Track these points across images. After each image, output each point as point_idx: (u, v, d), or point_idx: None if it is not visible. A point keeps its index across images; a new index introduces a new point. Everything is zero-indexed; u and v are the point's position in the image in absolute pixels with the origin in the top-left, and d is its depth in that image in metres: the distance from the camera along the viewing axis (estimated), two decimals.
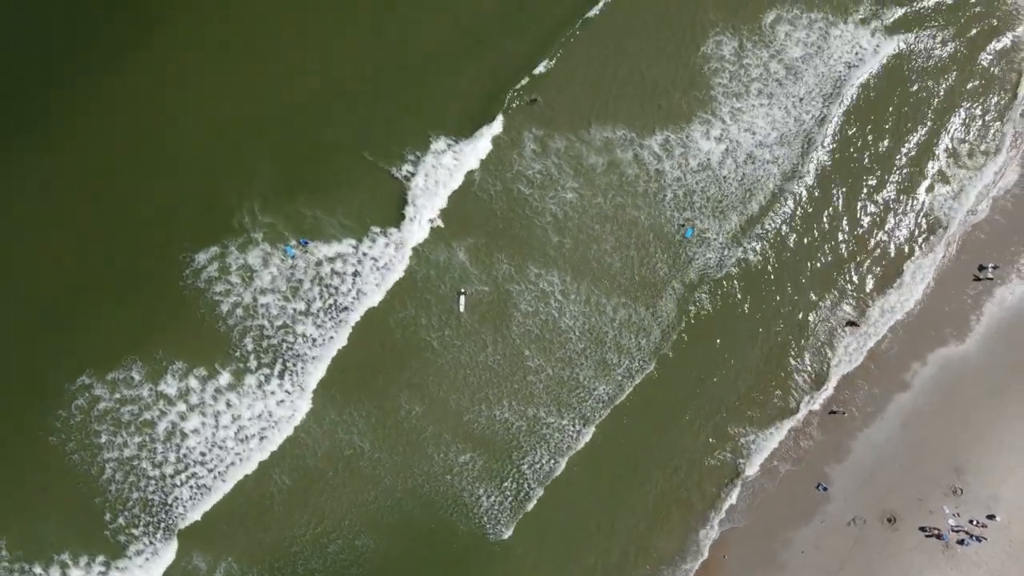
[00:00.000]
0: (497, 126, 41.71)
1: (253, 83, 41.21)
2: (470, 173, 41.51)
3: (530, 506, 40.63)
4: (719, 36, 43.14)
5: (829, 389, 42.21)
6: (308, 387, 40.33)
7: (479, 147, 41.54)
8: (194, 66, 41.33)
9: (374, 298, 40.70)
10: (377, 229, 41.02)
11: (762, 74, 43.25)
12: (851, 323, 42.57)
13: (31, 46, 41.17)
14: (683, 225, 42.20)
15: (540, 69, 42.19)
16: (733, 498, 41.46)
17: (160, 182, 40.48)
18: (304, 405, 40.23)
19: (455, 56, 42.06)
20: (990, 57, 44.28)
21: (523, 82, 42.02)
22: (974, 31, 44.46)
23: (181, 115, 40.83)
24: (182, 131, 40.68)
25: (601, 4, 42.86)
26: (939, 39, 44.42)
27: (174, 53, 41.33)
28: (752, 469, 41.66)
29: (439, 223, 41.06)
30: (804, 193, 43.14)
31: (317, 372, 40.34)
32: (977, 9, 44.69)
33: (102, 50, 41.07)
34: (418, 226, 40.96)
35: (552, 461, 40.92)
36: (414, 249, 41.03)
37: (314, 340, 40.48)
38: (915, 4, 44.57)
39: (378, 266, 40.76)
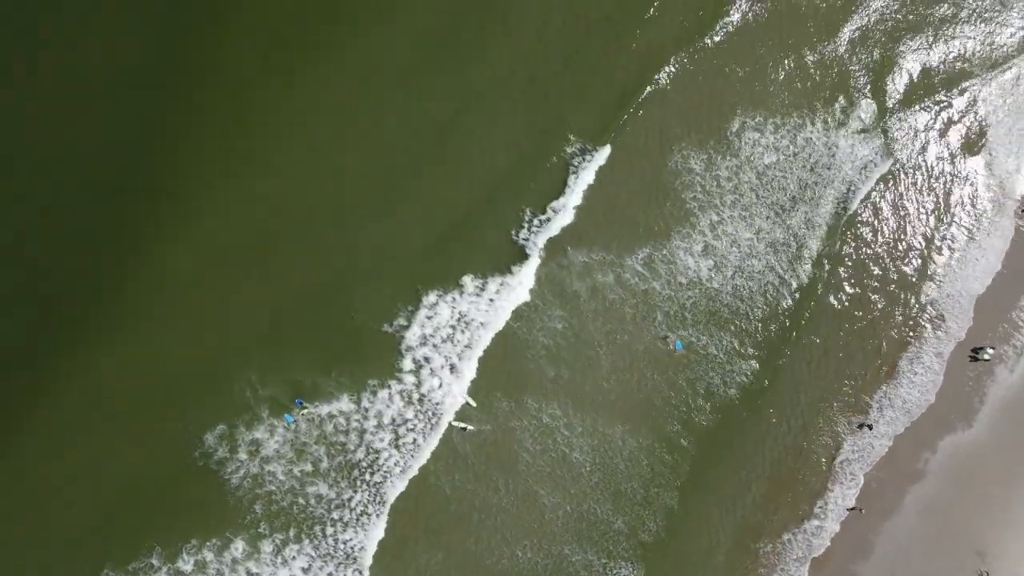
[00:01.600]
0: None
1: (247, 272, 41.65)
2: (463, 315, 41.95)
3: None
4: (684, 150, 43.52)
5: (847, 490, 42.46)
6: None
7: (467, 291, 42.01)
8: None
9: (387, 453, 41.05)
10: (374, 382, 41.36)
11: (736, 185, 43.85)
12: (864, 425, 42.76)
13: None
14: (667, 337, 42.31)
15: None
16: None
17: (160, 367, 40.99)
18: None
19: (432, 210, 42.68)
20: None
21: None
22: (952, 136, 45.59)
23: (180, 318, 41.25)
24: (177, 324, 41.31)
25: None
26: (919, 140, 45.34)
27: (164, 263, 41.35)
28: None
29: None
30: (801, 296, 43.47)
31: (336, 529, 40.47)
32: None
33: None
34: (411, 370, 41.38)
35: None
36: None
37: (329, 500, 40.70)
38: (887, 100, 45.50)
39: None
